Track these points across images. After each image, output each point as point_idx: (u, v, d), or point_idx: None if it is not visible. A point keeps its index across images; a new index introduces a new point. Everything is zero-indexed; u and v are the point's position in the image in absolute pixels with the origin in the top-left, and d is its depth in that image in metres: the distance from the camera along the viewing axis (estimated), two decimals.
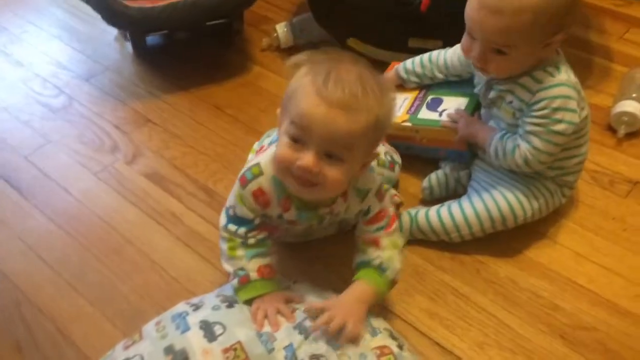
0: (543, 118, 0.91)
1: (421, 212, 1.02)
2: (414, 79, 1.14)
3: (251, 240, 0.85)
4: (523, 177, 0.99)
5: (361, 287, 0.84)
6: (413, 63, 1.14)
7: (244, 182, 0.85)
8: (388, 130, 0.82)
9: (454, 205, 1.01)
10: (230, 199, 0.87)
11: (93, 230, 1.09)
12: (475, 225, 0.98)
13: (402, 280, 0.93)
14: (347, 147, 0.75)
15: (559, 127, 0.91)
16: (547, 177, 1.00)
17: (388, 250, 0.86)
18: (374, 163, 0.91)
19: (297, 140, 0.76)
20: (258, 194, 0.84)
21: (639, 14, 1.50)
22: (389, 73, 1.18)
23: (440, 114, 1.09)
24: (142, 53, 1.50)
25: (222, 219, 0.87)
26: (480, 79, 1.02)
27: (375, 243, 0.86)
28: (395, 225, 0.89)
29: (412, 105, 1.13)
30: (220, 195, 1.14)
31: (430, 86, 1.15)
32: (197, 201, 1.14)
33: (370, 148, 0.80)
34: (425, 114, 1.11)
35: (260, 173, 0.84)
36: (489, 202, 0.98)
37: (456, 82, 1.13)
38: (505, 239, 1.02)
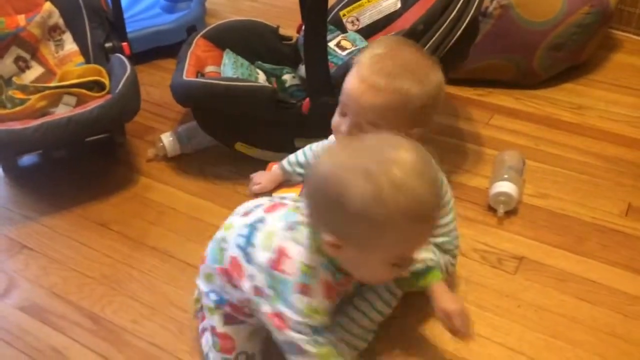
0: None
1: None
2: (298, 169, 1.15)
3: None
4: None
5: (440, 287, 0.93)
6: (295, 155, 1.16)
7: (307, 290, 0.77)
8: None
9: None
10: (297, 317, 0.78)
11: None
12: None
13: None
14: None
15: None
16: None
17: (424, 252, 0.93)
18: None
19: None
20: (326, 290, 0.79)
21: (499, 102, 1.66)
22: (272, 172, 1.16)
23: None
24: (15, 175, 1.41)
25: (297, 341, 0.78)
26: None
27: None
28: None
29: None
30: (109, 321, 1.05)
31: None
32: (82, 331, 1.04)
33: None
34: None
35: (311, 267, 0.78)
36: None
37: None
38: (408, 329, 1.02)
